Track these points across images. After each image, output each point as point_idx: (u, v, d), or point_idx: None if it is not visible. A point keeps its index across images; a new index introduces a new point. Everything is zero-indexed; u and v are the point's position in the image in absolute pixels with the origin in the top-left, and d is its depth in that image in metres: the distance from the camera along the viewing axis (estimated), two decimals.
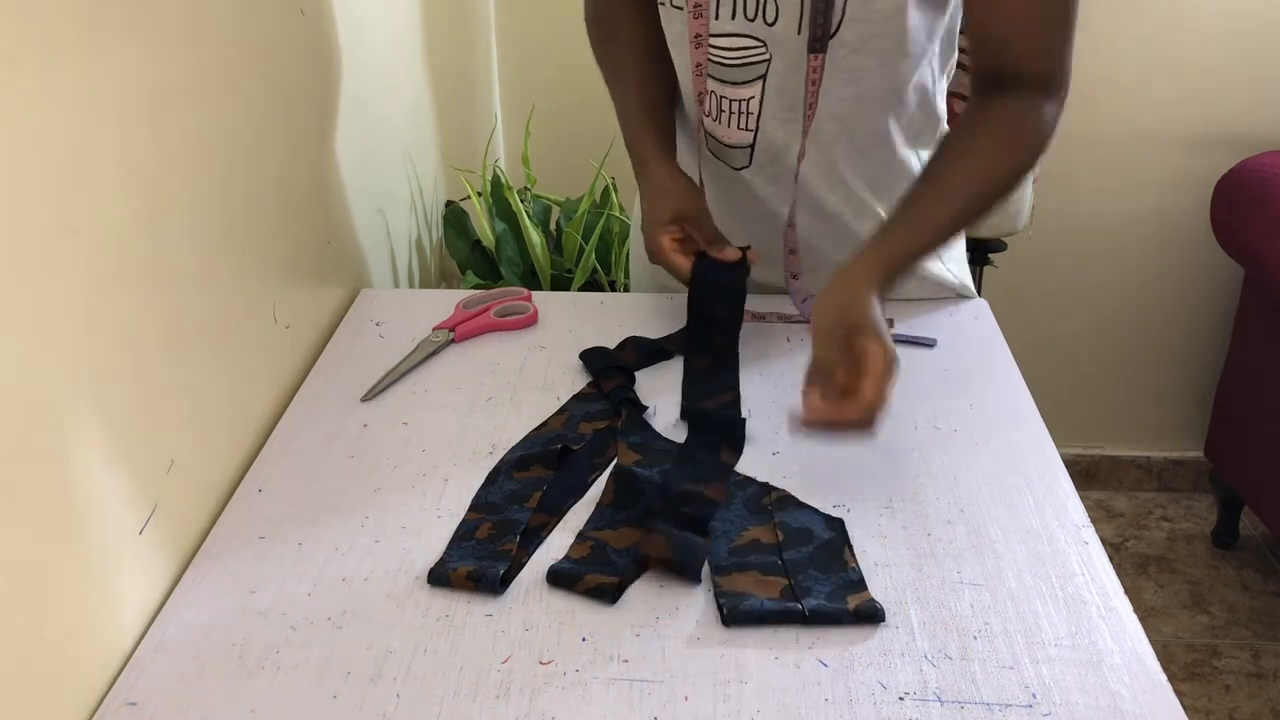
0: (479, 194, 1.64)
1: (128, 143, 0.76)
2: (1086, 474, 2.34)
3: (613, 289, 1.63)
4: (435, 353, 1.11)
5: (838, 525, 0.86)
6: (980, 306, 1.19)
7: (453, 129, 1.73)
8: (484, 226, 1.62)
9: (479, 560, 0.82)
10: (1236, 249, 1.94)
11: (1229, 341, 2.11)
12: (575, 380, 1.06)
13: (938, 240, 0.96)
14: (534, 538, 0.86)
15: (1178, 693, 0.72)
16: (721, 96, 1.05)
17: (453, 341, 1.13)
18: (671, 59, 1.10)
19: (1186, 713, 0.71)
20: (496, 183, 1.66)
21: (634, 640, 0.76)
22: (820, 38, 0.97)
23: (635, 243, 1.28)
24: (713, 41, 1.02)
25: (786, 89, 1.02)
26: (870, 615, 0.77)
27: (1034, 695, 0.72)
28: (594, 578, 0.80)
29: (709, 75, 1.04)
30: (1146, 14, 1.91)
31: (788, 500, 0.89)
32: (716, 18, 1.00)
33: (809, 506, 0.88)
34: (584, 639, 0.76)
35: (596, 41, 1.19)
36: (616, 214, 1.67)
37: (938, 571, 0.82)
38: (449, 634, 0.77)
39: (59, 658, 0.69)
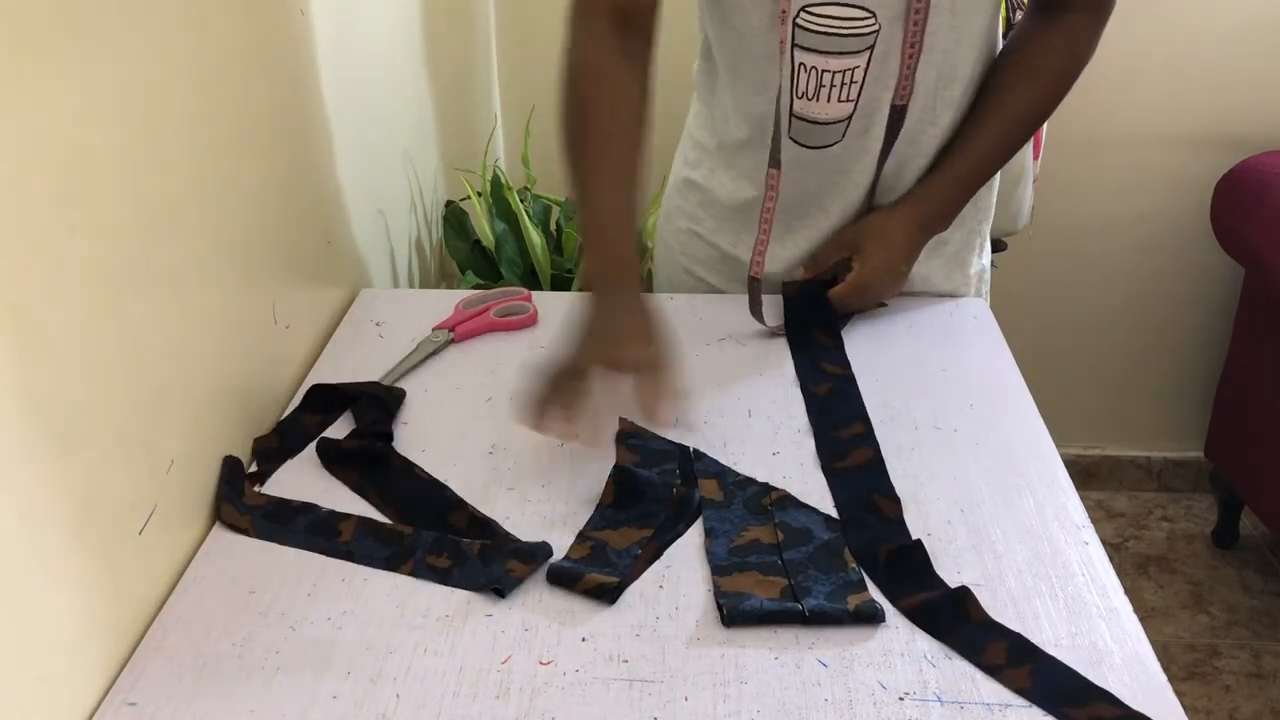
0: (479, 194, 1.64)
1: (128, 143, 0.76)
2: (1086, 474, 2.34)
3: None
4: (435, 353, 1.11)
5: (837, 526, 0.86)
6: (980, 306, 1.19)
7: (453, 129, 1.73)
8: (484, 226, 1.62)
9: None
10: (1236, 249, 1.94)
11: (1229, 341, 2.11)
12: None
13: (983, 178, 1.10)
14: None
15: (1178, 693, 0.72)
16: (823, 71, 1.01)
17: (453, 341, 1.13)
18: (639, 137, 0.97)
19: (1186, 713, 0.71)
20: (496, 183, 1.66)
21: (634, 640, 0.76)
22: None
23: (661, 231, 1.28)
24: (815, 11, 0.98)
25: (891, 54, 1.01)
26: (870, 616, 0.77)
27: None
28: (594, 577, 0.80)
29: (803, 47, 1.00)
30: (1146, 14, 1.91)
31: (788, 500, 0.89)
32: None
33: (809, 506, 0.88)
34: (584, 639, 0.76)
35: (576, 101, 0.97)
36: None
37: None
38: (449, 634, 0.77)
39: (59, 658, 0.69)
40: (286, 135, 1.06)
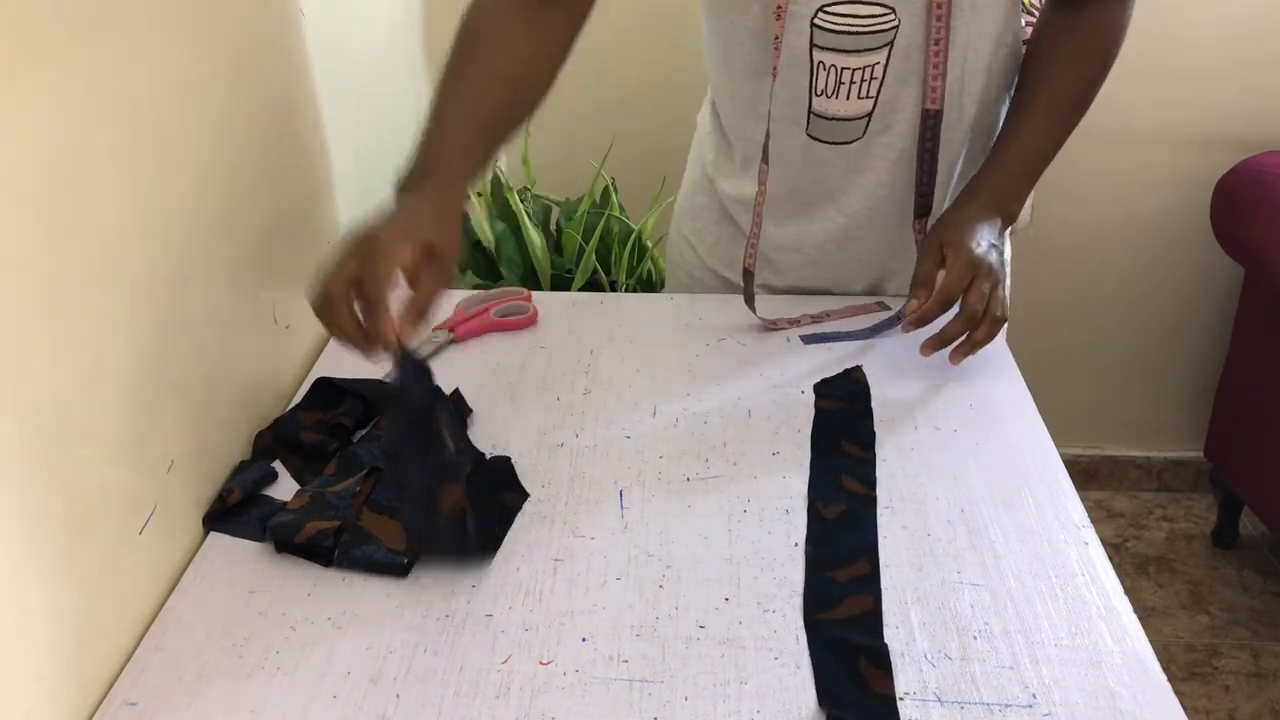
0: (479, 194, 1.64)
1: (127, 143, 0.76)
2: (1086, 474, 2.34)
3: (613, 289, 1.63)
4: (435, 353, 1.11)
5: (522, 492, 0.90)
6: None
7: None
8: (484, 226, 1.62)
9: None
10: (1236, 249, 1.94)
11: (1229, 341, 2.11)
12: (575, 380, 1.06)
13: (1041, 160, 1.10)
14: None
15: (1178, 693, 0.72)
16: (843, 69, 1.03)
17: (453, 341, 1.13)
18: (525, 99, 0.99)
19: (1186, 713, 0.71)
20: (496, 183, 1.66)
21: (634, 640, 0.76)
22: None
23: (677, 220, 1.29)
24: (834, 11, 1.00)
25: (913, 51, 1.02)
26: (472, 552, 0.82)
27: (1034, 695, 0.72)
28: (315, 524, 0.83)
29: (822, 47, 1.02)
30: (1146, 14, 1.90)
31: (495, 463, 0.92)
32: None
33: (510, 470, 0.92)
34: (584, 639, 0.76)
35: (461, 37, 0.97)
36: (616, 214, 1.67)
37: (938, 571, 0.82)
38: (449, 634, 0.77)
39: (59, 658, 0.69)
40: (287, 135, 1.06)
